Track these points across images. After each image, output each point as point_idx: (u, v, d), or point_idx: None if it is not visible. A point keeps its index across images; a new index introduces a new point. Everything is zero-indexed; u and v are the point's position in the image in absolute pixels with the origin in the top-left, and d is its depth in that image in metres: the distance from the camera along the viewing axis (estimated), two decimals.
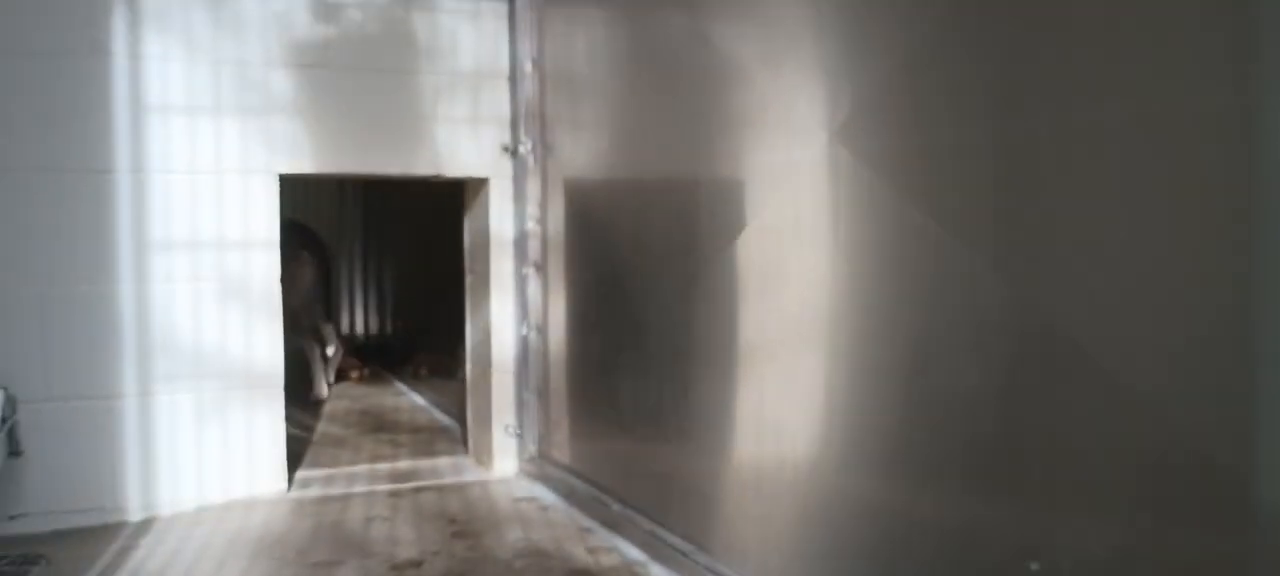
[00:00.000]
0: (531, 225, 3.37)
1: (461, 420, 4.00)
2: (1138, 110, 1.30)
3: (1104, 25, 1.35)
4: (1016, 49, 1.48)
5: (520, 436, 3.45)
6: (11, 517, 2.82)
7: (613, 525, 2.71)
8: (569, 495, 3.03)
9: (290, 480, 3.28)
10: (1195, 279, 1.25)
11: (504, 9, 3.42)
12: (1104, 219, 1.34)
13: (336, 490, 3.27)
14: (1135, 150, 1.31)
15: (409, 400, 5.21)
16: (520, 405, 3.45)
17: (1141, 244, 1.30)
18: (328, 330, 5.11)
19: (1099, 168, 1.35)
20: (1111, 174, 1.34)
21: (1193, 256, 1.24)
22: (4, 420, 2.68)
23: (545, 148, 3.29)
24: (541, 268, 3.34)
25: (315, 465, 3.62)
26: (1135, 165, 1.31)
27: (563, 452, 3.21)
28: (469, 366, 3.74)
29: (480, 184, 3.49)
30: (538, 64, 3.32)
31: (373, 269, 7.54)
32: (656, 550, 2.46)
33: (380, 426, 4.42)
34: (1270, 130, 1.15)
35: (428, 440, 4.09)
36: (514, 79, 3.41)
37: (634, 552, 2.55)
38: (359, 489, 3.29)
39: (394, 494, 3.22)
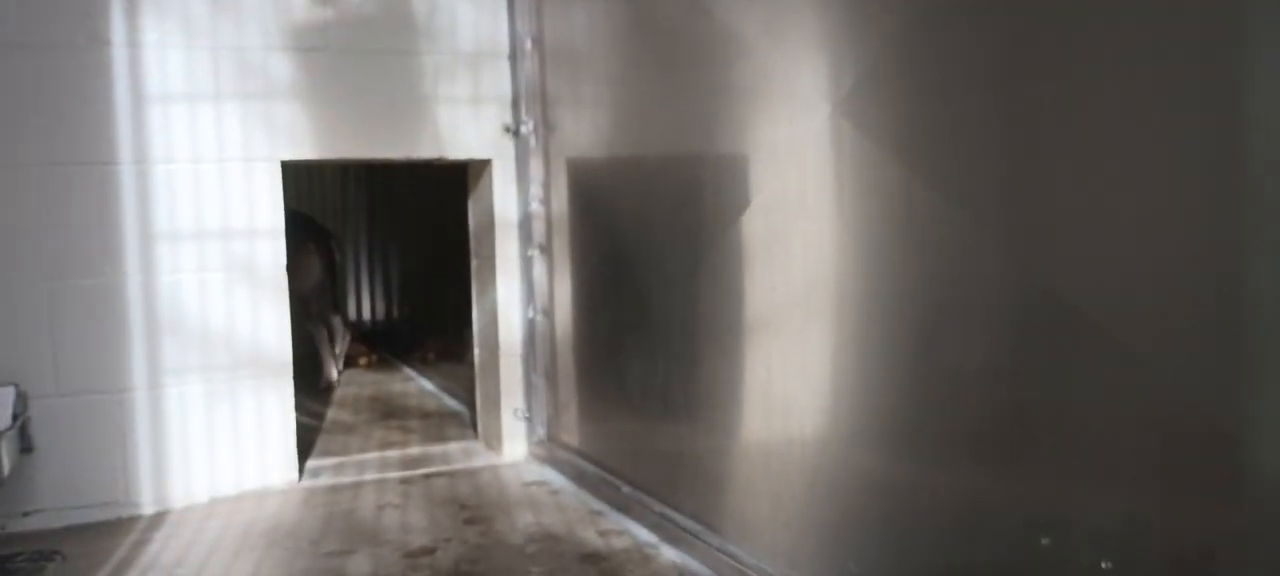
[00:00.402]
0: (535, 206, 3.35)
1: (471, 404, 4.00)
2: (1143, 79, 1.27)
3: None
4: (1020, 18, 1.45)
5: (529, 420, 3.45)
6: (25, 514, 2.83)
7: (623, 507, 2.71)
8: (579, 478, 3.03)
9: (301, 469, 3.29)
10: (1202, 249, 1.22)
11: None
12: (1109, 189, 1.32)
13: (348, 478, 3.28)
14: (1140, 119, 1.28)
15: (418, 385, 5.22)
16: (528, 388, 3.44)
17: (1147, 214, 1.28)
18: (334, 320, 5.13)
19: (1104, 137, 1.33)
20: (1116, 143, 1.31)
21: (1200, 226, 1.22)
22: (15, 416, 2.69)
23: (547, 127, 3.26)
24: (546, 249, 3.32)
25: (326, 453, 3.63)
26: (1140, 134, 1.28)
27: (572, 435, 3.21)
28: (477, 350, 3.74)
29: (483, 165, 3.47)
30: (537, 42, 3.29)
31: (378, 254, 7.54)
32: (667, 531, 2.45)
33: (390, 412, 4.43)
34: (1272, 100, 1.12)
35: (437, 425, 4.10)
36: (514, 57, 3.38)
37: (645, 534, 2.55)
38: (370, 476, 3.30)
39: (405, 480, 3.23)
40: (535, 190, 3.34)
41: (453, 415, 4.31)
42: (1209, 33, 1.21)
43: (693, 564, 2.31)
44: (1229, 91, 1.19)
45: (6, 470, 2.58)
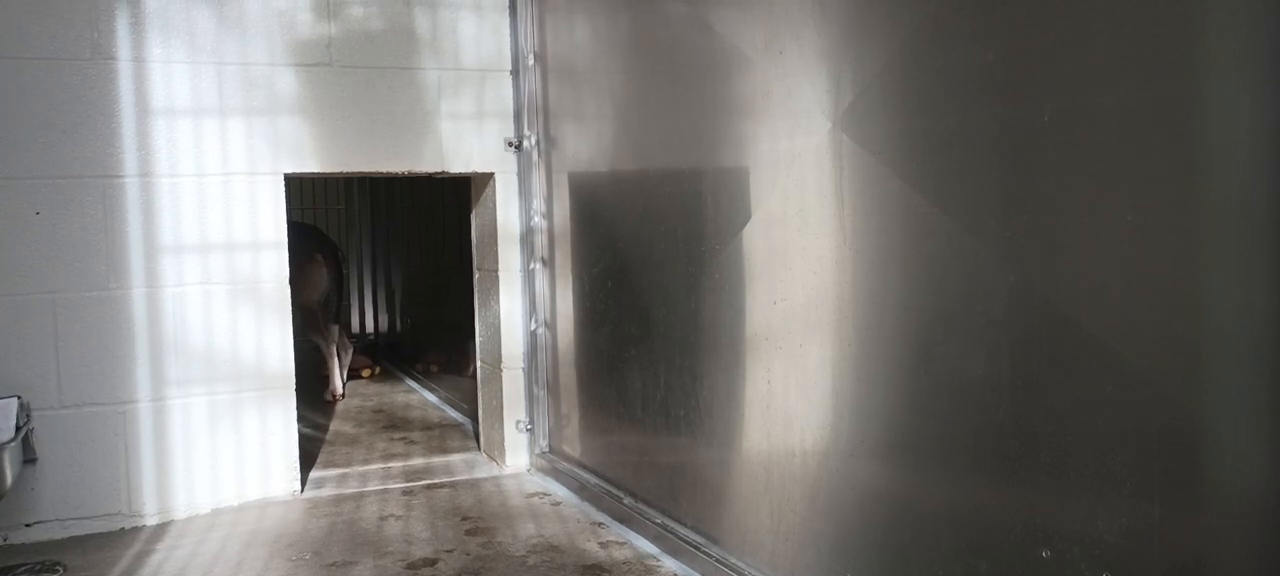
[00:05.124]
0: (537, 220, 3.37)
1: (473, 416, 4.00)
2: (1143, 94, 1.28)
3: (1109, 7, 1.33)
4: (1021, 32, 1.47)
5: (531, 431, 3.45)
6: (27, 525, 2.84)
7: (625, 519, 2.71)
8: (581, 490, 3.04)
9: (304, 480, 3.30)
10: (1202, 262, 1.23)
11: (505, 1, 3.41)
12: (1109, 203, 1.33)
13: (350, 489, 3.29)
14: (1141, 133, 1.29)
15: (421, 397, 5.23)
16: (531, 400, 3.45)
17: (1148, 227, 1.29)
18: (333, 330, 5.15)
19: (1104, 151, 1.34)
20: (1117, 157, 1.32)
21: (1199, 239, 1.23)
22: (18, 428, 2.70)
23: (549, 141, 3.28)
24: (548, 262, 3.33)
25: (329, 465, 3.64)
26: (1141, 148, 1.29)
27: (573, 447, 3.21)
28: (479, 362, 3.75)
29: (486, 179, 3.49)
30: (540, 57, 3.31)
31: (382, 266, 7.56)
32: (669, 543, 2.46)
33: (392, 424, 4.44)
34: (1275, 118, 1.13)
35: (440, 437, 4.10)
36: (516, 72, 3.40)
37: (646, 546, 2.56)
38: (372, 487, 3.30)
39: (408, 491, 3.23)
40: (537, 204, 3.36)
41: (455, 426, 4.31)
42: (1213, 48, 1.22)
43: None
44: (1234, 104, 1.20)
45: (10, 481, 2.59)
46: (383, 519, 2.92)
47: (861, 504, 1.84)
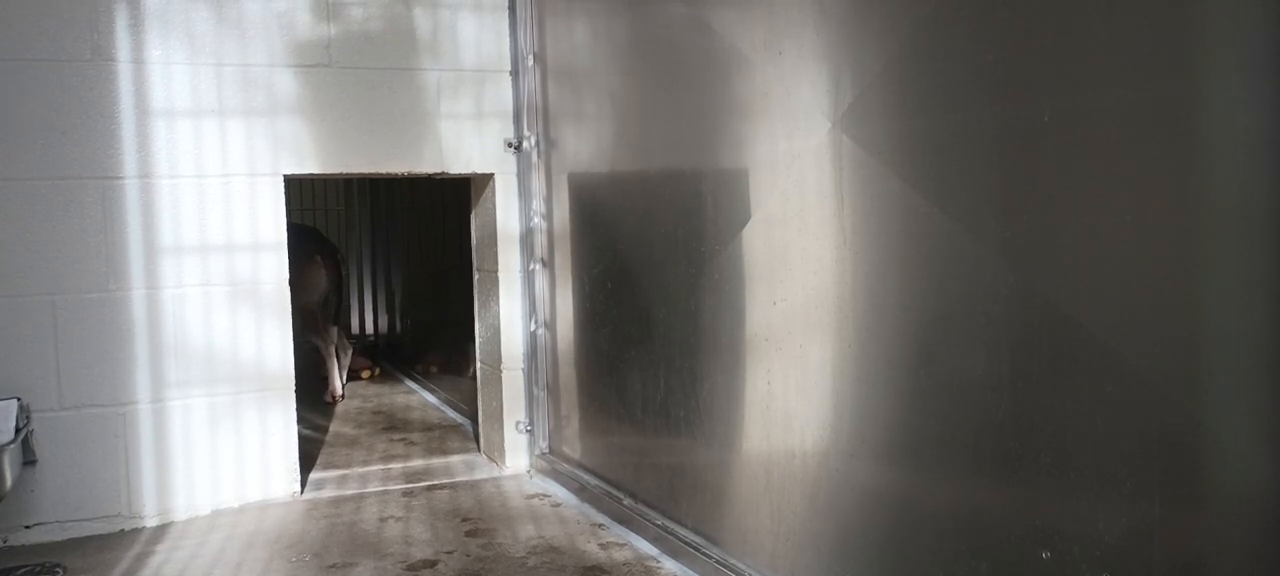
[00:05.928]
0: (537, 220, 3.37)
1: (473, 417, 4.00)
2: (1142, 95, 1.28)
3: (1108, 8, 1.33)
4: (1021, 32, 1.47)
5: (531, 432, 3.45)
6: (28, 527, 2.84)
7: (625, 520, 2.71)
8: (581, 491, 3.04)
9: (304, 482, 3.29)
10: (1202, 262, 1.23)
11: (505, 2, 3.41)
12: (1108, 203, 1.33)
13: (350, 490, 3.28)
14: (1141, 133, 1.29)
15: (420, 398, 5.23)
16: (530, 401, 3.45)
17: (1146, 227, 1.29)
18: (332, 332, 5.15)
19: (1103, 152, 1.34)
20: (1116, 158, 1.32)
21: (1199, 239, 1.23)
22: (18, 430, 2.70)
23: (549, 142, 3.28)
24: (548, 263, 3.33)
25: (329, 466, 3.63)
26: (1141, 148, 1.29)
27: (573, 448, 3.21)
28: (479, 363, 3.75)
29: (485, 180, 3.49)
30: (539, 58, 3.31)
31: (381, 267, 7.56)
32: (669, 544, 2.46)
33: (392, 425, 4.44)
34: (1274, 118, 1.13)
35: (440, 438, 4.10)
36: (516, 73, 3.40)
37: (646, 547, 2.55)
38: (372, 488, 3.30)
39: (407, 493, 3.23)
40: (537, 204, 3.36)
41: (455, 428, 4.31)
42: (1212, 49, 1.22)
43: None
44: (1234, 104, 1.20)
45: (10, 483, 2.59)
46: (382, 520, 2.92)
47: (862, 504, 1.84)
